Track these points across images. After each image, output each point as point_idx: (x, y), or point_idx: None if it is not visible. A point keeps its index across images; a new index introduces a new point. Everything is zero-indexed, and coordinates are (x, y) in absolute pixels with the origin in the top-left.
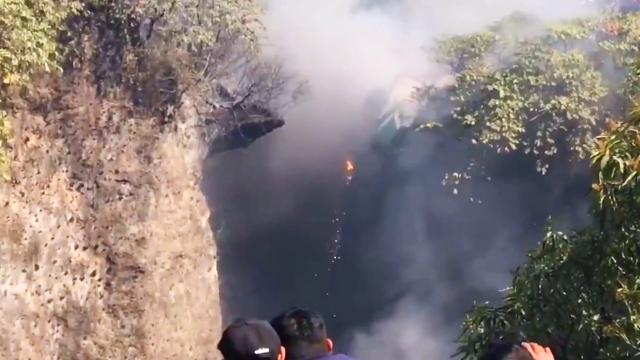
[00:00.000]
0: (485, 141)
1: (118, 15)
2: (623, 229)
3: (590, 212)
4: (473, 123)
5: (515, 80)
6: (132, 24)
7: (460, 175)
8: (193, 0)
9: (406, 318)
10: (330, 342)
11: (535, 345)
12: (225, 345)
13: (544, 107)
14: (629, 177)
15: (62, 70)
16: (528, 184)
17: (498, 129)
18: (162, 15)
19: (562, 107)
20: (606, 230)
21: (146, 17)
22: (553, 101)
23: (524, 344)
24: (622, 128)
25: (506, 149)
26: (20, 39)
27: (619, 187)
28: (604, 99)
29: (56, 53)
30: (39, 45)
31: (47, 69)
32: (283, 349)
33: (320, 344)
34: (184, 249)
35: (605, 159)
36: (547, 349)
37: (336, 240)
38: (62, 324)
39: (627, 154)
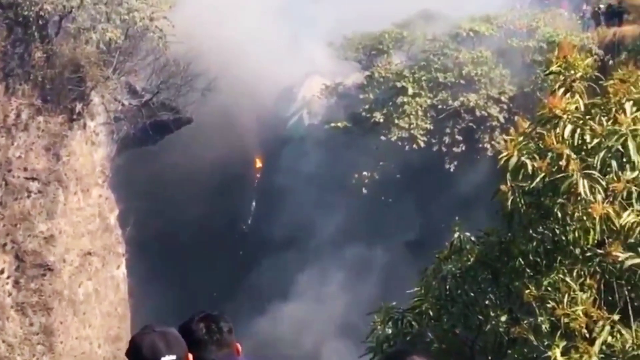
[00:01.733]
0: (393, 139)
1: (26, 12)
2: (530, 231)
3: (497, 213)
4: (382, 120)
5: (423, 78)
6: (40, 21)
7: (369, 174)
8: None
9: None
10: (240, 346)
11: None
12: (132, 352)
13: (453, 104)
14: (537, 179)
15: None
16: (437, 181)
17: (406, 126)
18: (70, 12)
19: (471, 104)
20: (514, 231)
21: (55, 14)
22: (462, 98)
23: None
24: (530, 129)
25: (415, 146)
26: None
27: (527, 188)
28: (512, 97)
29: None
30: None
31: None
32: (190, 356)
33: (230, 348)
34: (93, 247)
35: (514, 160)
36: None
37: (244, 235)
38: None
39: (535, 155)
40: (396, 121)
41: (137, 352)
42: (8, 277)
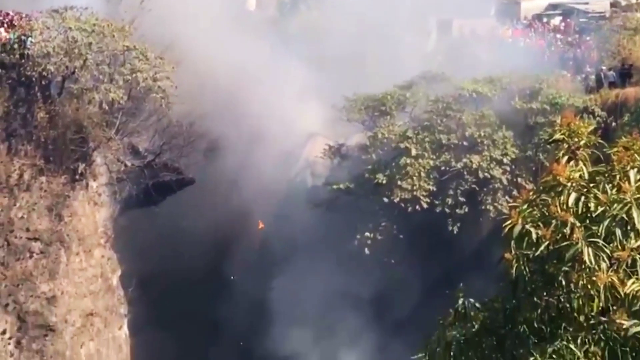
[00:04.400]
0: (396, 200)
1: (29, 73)
2: (535, 298)
3: (502, 279)
4: (384, 182)
5: (426, 139)
6: (43, 82)
7: (372, 235)
8: (104, 59)
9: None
10: None
11: None
12: None
13: (456, 166)
14: (541, 247)
15: None
16: (440, 243)
17: (409, 187)
18: (73, 72)
19: (474, 166)
20: (518, 298)
21: (58, 74)
22: (465, 160)
23: None
24: (534, 196)
25: (417, 207)
26: None
27: (531, 256)
28: (515, 159)
29: None
30: None
31: None
32: None
33: None
34: (95, 308)
35: (518, 228)
36: None
37: (247, 297)
38: None
39: (540, 223)
40: (399, 182)
41: None
42: (10, 338)
